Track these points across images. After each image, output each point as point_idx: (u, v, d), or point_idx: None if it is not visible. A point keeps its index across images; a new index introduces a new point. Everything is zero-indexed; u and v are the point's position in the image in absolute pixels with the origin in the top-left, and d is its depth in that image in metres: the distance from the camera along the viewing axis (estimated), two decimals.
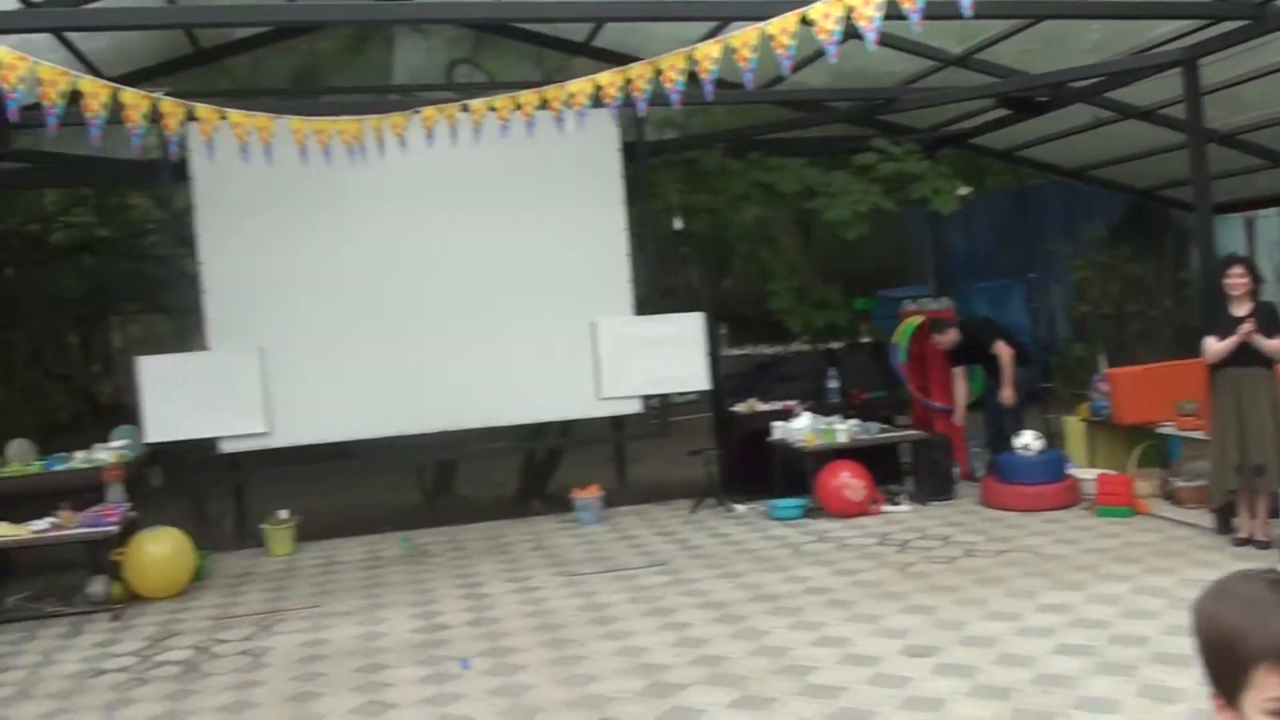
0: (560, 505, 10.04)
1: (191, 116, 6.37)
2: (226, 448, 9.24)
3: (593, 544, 8.67)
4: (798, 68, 8.23)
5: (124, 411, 13.16)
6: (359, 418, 9.29)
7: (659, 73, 6.43)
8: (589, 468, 10.62)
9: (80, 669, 6.45)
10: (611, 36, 9.97)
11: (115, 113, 6.05)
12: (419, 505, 11.38)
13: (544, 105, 6.86)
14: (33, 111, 5.70)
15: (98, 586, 7.90)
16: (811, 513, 9.07)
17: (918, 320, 10.43)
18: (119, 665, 6.42)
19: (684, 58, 6.31)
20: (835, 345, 11.21)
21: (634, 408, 10.00)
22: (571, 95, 6.75)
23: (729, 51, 6.09)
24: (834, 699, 4.95)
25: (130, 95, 6.09)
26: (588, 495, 9.59)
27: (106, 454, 8.64)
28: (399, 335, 9.37)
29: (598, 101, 6.78)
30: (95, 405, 16.60)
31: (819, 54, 8.31)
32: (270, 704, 5.45)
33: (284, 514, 9.35)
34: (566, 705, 5.10)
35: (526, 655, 5.89)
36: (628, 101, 6.79)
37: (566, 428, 10.79)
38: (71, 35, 8.12)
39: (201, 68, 10.08)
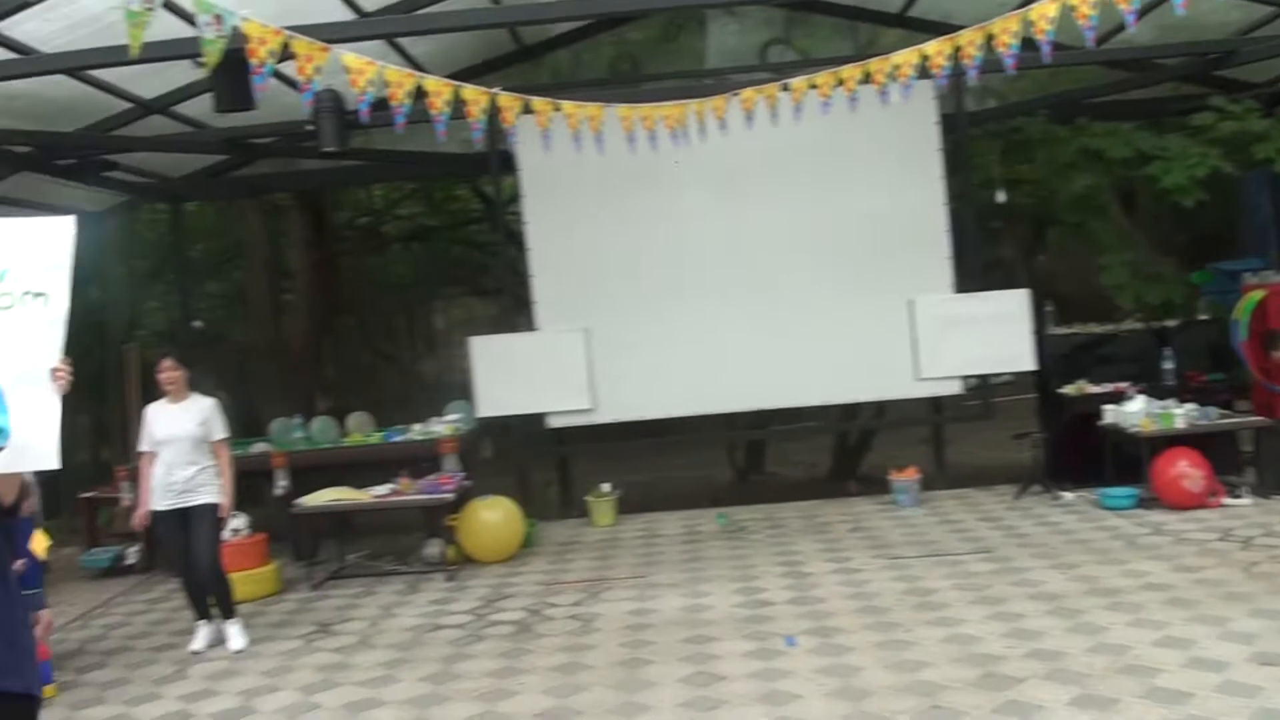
0: (875, 487, 9.88)
1: (527, 109, 6.66)
2: (553, 423, 9.71)
3: (912, 527, 8.48)
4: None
5: (446, 388, 14.09)
6: (676, 396, 9.50)
7: (990, 38, 6.16)
8: (902, 449, 10.39)
9: (418, 623, 6.94)
10: (927, 5, 9.66)
11: (455, 109, 6.41)
12: (732, 482, 11.53)
13: (866, 79, 6.72)
14: (379, 112, 6.11)
15: (433, 548, 8.48)
16: (1145, 503, 8.48)
17: (1260, 294, 9.52)
18: (455, 622, 6.87)
19: (1018, 20, 6.02)
20: (1169, 323, 10.40)
21: (953, 389, 9.70)
22: (896, 67, 6.57)
23: (1067, 10, 5.75)
24: (1180, 705, 4.60)
25: (471, 92, 6.42)
26: (906, 477, 9.38)
27: (442, 427, 9.24)
28: (716, 315, 9.51)
29: (923, 72, 6.58)
30: (420, 382, 17.80)
31: (1156, 4, 7.78)
32: (602, 667, 5.66)
33: (606, 487, 9.70)
34: (896, 690, 5.00)
35: (852, 637, 5.82)
36: (956, 70, 6.55)
37: (880, 408, 10.60)
38: (402, 40, 8.69)
39: (524, 64, 10.57)
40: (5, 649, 2.91)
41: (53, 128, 8.53)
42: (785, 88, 6.97)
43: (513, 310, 10.28)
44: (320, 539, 8.93)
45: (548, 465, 10.60)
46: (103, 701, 5.95)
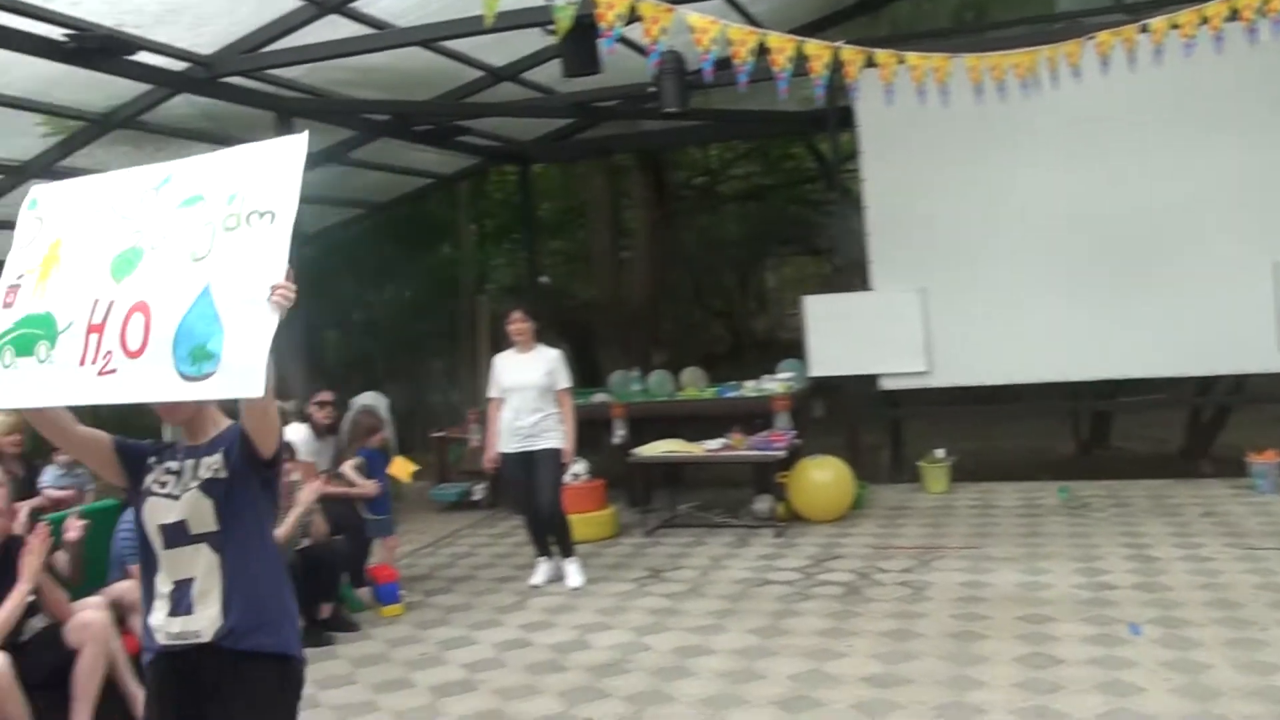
0: (1230, 468, 9.05)
1: (870, 63, 6.50)
2: (886, 385, 9.54)
3: (1271, 516, 7.68)
4: None
5: (775, 347, 14.13)
6: (1017, 361, 9.06)
7: None
8: (1262, 430, 9.42)
9: (747, 576, 7.04)
10: None
11: (796, 66, 6.34)
12: (1074, 455, 10.92)
13: (1233, 16, 6.07)
14: (721, 71, 6.14)
15: (763, 504, 8.57)
16: None
17: None
18: (783, 579, 6.91)
19: None
20: None
21: None
22: (1266, 1, 5.90)
23: None
24: None
25: (814, 47, 6.32)
26: (1265, 460, 8.51)
27: (775, 384, 9.29)
28: (1061, 277, 8.97)
29: None
30: (750, 340, 17.97)
31: None
32: (932, 637, 5.52)
33: (940, 453, 9.44)
34: (1246, 694, 4.55)
35: (1201, 631, 5.36)
36: None
37: (1239, 383, 9.68)
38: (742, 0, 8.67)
39: (862, 17, 10.31)
40: (257, 608, 2.92)
41: (409, 97, 9.19)
42: (1144, 29, 6.43)
43: (845, 270, 10.14)
44: (652, 488, 9.22)
45: (879, 428, 10.44)
46: (447, 624, 6.47)
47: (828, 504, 8.46)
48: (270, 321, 2.59)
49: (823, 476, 8.50)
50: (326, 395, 7.47)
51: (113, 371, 2.71)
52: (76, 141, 8.14)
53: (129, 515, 5.56)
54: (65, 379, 2.79)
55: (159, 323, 2.68)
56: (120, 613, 5.19)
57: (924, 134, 8.88)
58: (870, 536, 7.88)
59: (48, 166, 8.16)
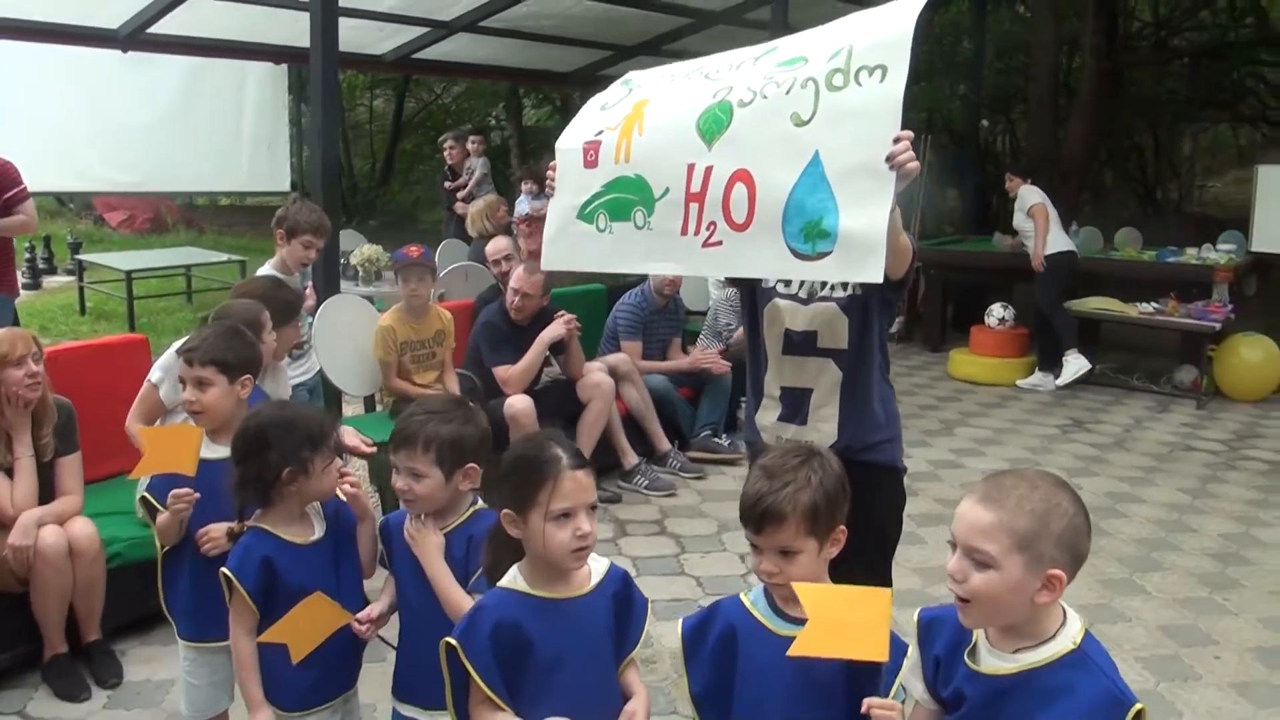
0: None
1: None
2: None
3: None
4: None
5: (1186, 219, 13.48)
6: None
7: None
8: None
9: (1171, 439, 7.39)
10: None
11: None
12: None
13: None
14: None
15: (1186, 374, 8.73)
16: None
17: None
18: (1207, 447, 7.22)
19: None
20: None
21: None
22: None
23: None
24: None
25: None
26: None
27: (1216, 255, 9.22)
28: None
29: None
30: (1156, 209, 17.10)
31: None
32: None
33: None
34: None
35: None
36: None
37: None
38: None
39: None
40: (873, 427, 2.95)
41: None
42: None
43: (1274, 141, 9.65)
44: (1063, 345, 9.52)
45: None
46: None
47: (1254, 383, 8.52)
48: (888, 192, 2.41)
49: (1253, 354, 8.53)
50: None
51: (718, 244, 2.68)
52: None
53: (630, 296, 6.71)
54: (669, 246, 2.78)
55: (765, 195, 2.58)
56: (615, 378, 6.24)
57: None
58: None
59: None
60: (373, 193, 21.63)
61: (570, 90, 12.70)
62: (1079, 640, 1.77)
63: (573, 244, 2.98)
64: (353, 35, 8.54)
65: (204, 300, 11.25)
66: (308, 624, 2.45)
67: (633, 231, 2.83)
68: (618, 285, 7.38)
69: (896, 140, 2.39)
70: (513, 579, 2.10)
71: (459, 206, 9.80)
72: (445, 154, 9.99)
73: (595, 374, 6.06)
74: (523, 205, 9.74)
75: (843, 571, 2.11)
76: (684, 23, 10.39)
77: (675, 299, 6.85)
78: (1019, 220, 9.00)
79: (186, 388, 2.88)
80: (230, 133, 12.18)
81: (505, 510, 2.06)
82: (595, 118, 3.01)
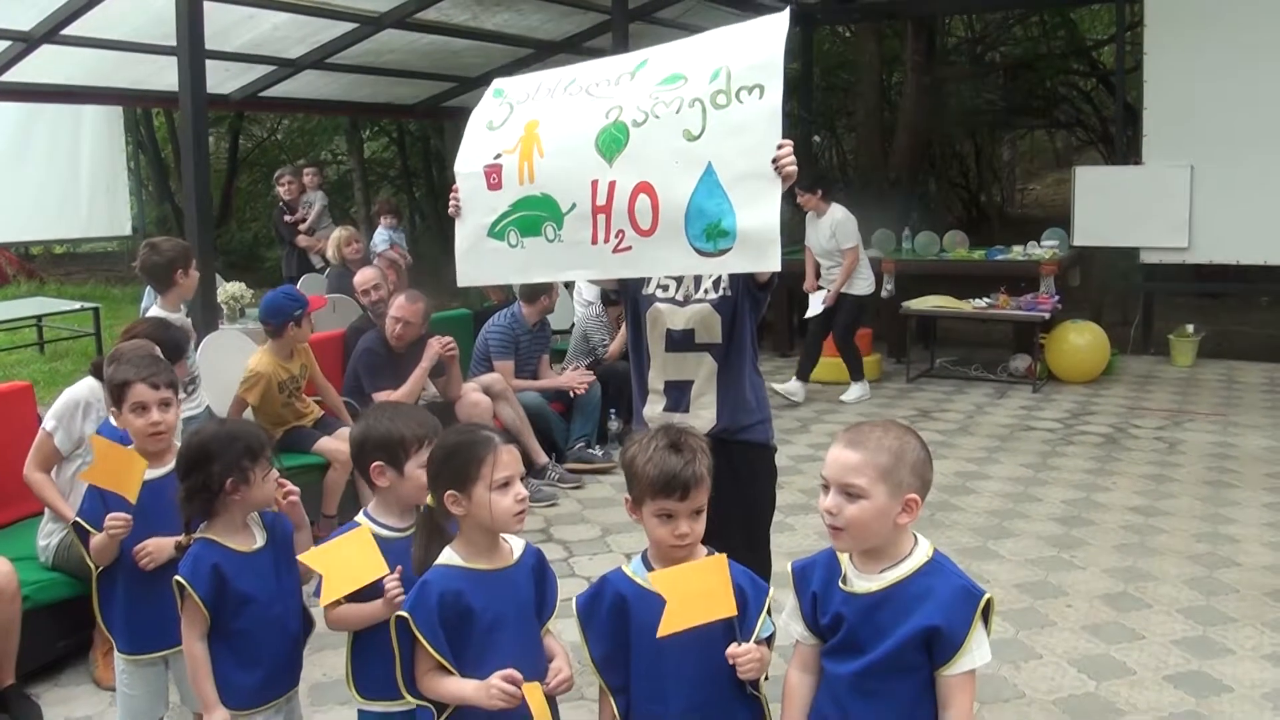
0: None
1: None
2: (1145, 258, 10.06)
3: None
4: None
5: (1007, 221, 14.32)
6: (1277, 243, 9.42)
7: None
8: None
9: (1011, 422, 7.93)
10: None
11: None
12: None
13: None
14: None
15: (1020, 362, 9.37)
16: None
17: None
18: (1045, 426, 7.78)
19: None
20: None
21: None
22: None
23: None
24: None
25: None
26: None
27: (1041, 251, 9.90)
28: None
29: None
30: (979, 213, 18.11)
31: None
32: (1187, 483, 6.32)
33: (1190, 328, 9.97)
34: None
35: None
36: None
37: None
38: None
39: None
40: (745, 410, 3.30)
41: None
42: None
43: (1087, 144, 10.47)
44: (907, 341, 10.06)
45: (1134, 300, 10.93)
46: None
47: (1083, 366, 9.18)
48: (776, 192, 2.77)
49: (1081, 339, 9.20)
50: None
51: (628, 249, 2.96)
52: None
53: (500, 318, 6.91)
54: (581, 255, 3.05)
55: (667, 203, 2.87)
56: (490, 397, 6.43)
57: (1209, 9, 9.19)
58: (1121, 399, 8.60)
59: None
60: (213, 233, 21.20)
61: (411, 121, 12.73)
62: (930, 554, 2.11)
63: (485, 260, 3.24)
64: None
65: (57, 350, 10.95)
66: (345, 564, 2.47)
67: (545, 245, 3.09)
68: (483, 309, 7.53)
69: (780, 147, 2.77)
70: (449, 557, 2.31)
71: (301, 240, 9.79)
72: (282, 189, 9.96)
73: (472, 394, 6.23)
74: (381, 237, 9.80)
75: (726, 541, 2.40)
76: (525, 53, 10.64)
77: (544, 319, 7.06)
78: (824, 239, 8.62)
79: (150, 411, 2.95)
80: (67, 178, 11.88)
81: (449, 492, 2.26)
82: (486, 140, 3.23)
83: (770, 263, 2.81)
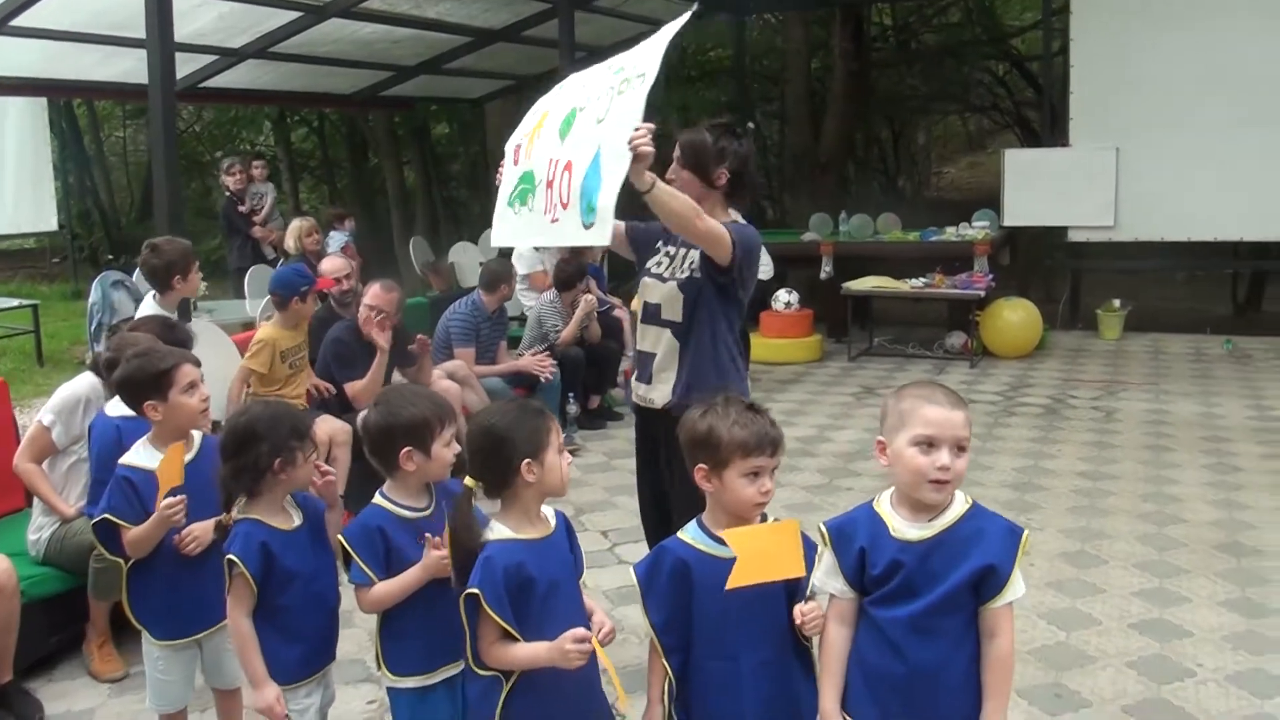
0: None
1: None
2: (1073, 237, 10.44)
3: None
4: None
5: (921, 204, 14.61)
6: (1198, 221, 9.87)
7: None
8: None
9: None
10: None
11: None
12: (1233, 314, 11.72)
13: None
14: None
15: (956, 339, 9.68)
16: None
17: None
18: (986, 400, 8.07)
19: None
20: None
21: None
22: None
23: None
24: None
25: None
26: None
27: (974, 231, 10.24)
28: (1257, 143, 9.61)
29: None
30: (898, 196, 18.49)
31: None
32: (1128, 448, 6.64)
33: (1116, 303, 10.38)
34: None
35: None
36: None
37: None
38: None
39: None
40: (702, 389, 3.25)
41: None
42: None
43: (1003, 127, 10.79)
44: (846, 321, 10.33)
45: (1063, 277, 11.33)
46: None
47: (1017, 342, 9.52)
48: (622, 171, 2.98)
49: (1015, 316, 9.54)
50: None
51: (557, 220, 3.22)
52: None
53: (461, 305, 6.99)
54: (540, 223, 3.33)
55: (575, 179, 3.14)
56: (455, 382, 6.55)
57: None
58: (1055, 372, 8.95)
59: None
60: (138, 227, 20.78)
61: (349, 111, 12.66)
62: (970, 501, 2.31)
63: (505, 225, 3.57)
64: (139, 66, 8.40)
65: None
66: None
67: (527, 214, 3.41)
68: (440, 297, 7.57)
69: (636, 129, 2.95)
70: (500, 532, 2.41)
71: (257, 231, 9.72)
72: (231, 180, 9.84)
73: (441, 381, 6.29)
74: (336, 238, 9.71)
75: (677, 512, 2.57)
76: (464, 41, 10.67)
77: (502, 306, 7.15)
78: None
79: (200, 387, 3.08)
80: None
81: (525, 462, 2.37)
82: (522, 128, 3.60)
83: (599, 238, 3.02)
